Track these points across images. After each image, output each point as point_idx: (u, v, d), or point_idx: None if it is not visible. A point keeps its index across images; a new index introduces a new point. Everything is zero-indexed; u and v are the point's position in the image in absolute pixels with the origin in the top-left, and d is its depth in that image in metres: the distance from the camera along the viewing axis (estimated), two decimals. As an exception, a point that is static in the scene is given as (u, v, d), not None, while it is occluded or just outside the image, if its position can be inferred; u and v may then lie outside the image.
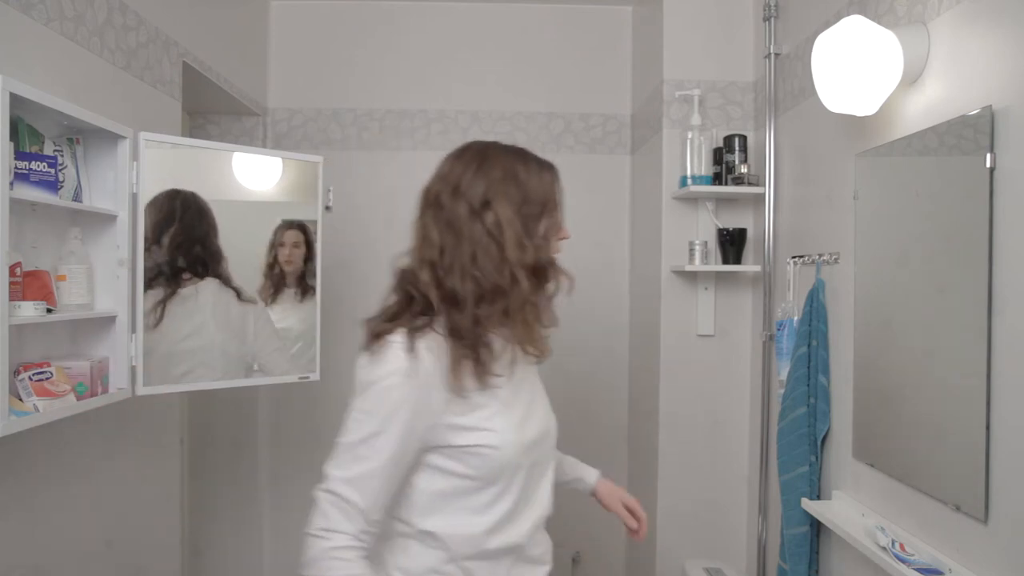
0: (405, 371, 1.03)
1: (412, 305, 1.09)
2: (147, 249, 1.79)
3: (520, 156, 1.15)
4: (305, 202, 2.18)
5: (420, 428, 1.05)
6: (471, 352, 1.06)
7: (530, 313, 1.10)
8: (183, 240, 1.90)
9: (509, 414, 1.11)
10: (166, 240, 1.85)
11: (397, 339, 1.05)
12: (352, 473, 1.03)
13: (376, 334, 1.07)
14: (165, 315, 1.85)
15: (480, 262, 1.06)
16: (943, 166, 1.42)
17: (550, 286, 1.14)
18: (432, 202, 1.11)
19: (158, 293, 1.84)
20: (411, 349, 1.04)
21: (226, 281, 2.01)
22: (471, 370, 1.06)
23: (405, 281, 1.11)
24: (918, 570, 1.36)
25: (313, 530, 1.02)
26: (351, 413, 1.06)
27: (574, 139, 2.98)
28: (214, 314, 1.97)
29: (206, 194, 1.95)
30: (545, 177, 1.15)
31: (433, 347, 1.05)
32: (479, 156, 1.12)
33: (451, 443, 1.07)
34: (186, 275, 1.91)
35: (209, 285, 1.97)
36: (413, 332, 1.05)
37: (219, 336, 1.99)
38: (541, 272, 1.11)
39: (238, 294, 2.04)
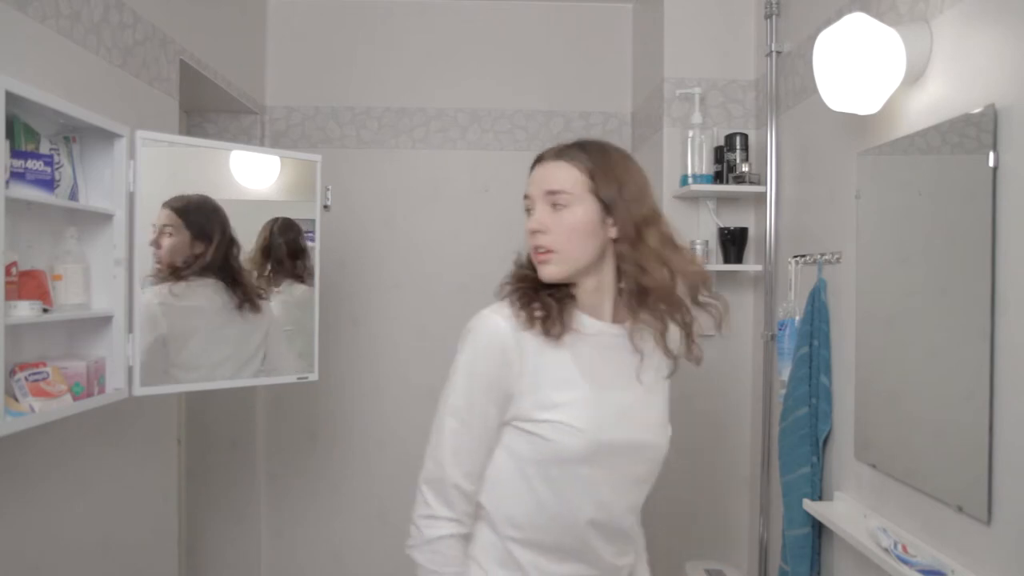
0: None
1: None
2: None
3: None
4: (303, 201, 2.17)
5: None
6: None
7: None
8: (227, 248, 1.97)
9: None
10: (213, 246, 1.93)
11: None
12: None
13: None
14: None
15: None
16: (946, 165, 1.41)
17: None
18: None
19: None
20: None
21: (239, 284, 2.00)
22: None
23: None
24: (920, 572, 1.36)
25: None
26: None
27: (574, 137, 2.94)
28: (209, 315, 1.96)
29: (205, 193, 1.94)
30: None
31: None
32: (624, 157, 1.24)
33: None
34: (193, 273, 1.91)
35: (207, 286, 1.94)
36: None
37: (215, 337, 1.97)
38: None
39: (242, 300, 2.01)
